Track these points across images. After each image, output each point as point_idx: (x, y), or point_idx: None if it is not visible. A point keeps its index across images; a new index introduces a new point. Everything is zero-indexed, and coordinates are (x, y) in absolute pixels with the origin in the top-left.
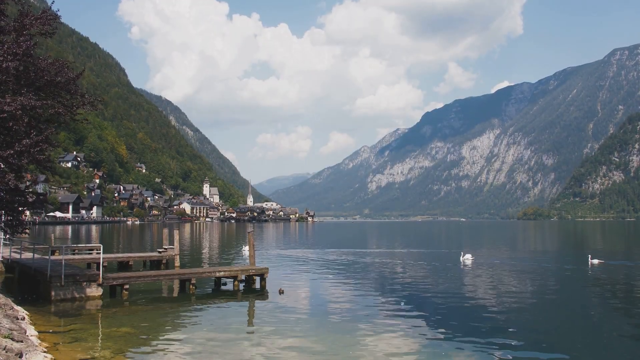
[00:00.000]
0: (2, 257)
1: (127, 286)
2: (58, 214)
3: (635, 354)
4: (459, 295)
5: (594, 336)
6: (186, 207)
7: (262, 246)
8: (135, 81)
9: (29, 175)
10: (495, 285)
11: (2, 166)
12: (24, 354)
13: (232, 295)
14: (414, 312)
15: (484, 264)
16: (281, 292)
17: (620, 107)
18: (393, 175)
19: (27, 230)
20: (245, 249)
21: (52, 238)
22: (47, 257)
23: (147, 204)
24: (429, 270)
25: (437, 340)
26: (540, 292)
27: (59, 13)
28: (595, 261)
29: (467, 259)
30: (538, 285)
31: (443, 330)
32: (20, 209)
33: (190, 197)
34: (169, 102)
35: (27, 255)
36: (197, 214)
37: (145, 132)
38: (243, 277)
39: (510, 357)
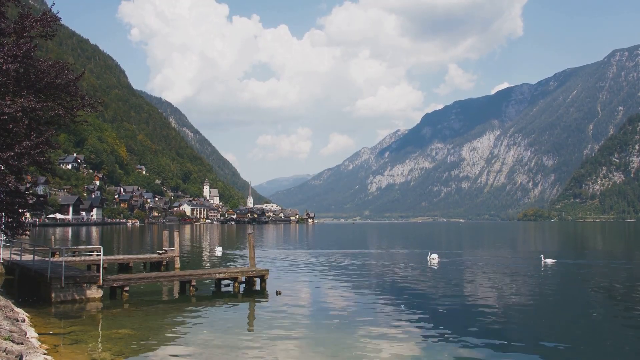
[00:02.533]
0: (3, 259)
1: (127, 288)
2: (58, 215)
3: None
4: (460, 296)
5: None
6: (186, 208)
7: (263, 247)
8: (135, 83)
9: (29, 177)
10: (455, 283)
11: (2, 168)
12: (24, 356)
13: (232, 297)
14: (412, 312)
15: (448, 264)
16: (278, 293)
17: (620, 108)
18: (393, 176)
19: (27, 232)
20: (218, 249)
21: (52, 240)
22: (48, 258)
23: (147, 206)
24: (420, 270)
25: (436, 341)
26: (485, 289)
27: (59, 15)
28: (549, 260)
29: (434, 259)
30: (487, 283)
31: (441, 331)
32: (20, 210)
33: (191, 198)
34: (169, 104)
35: (28, 257)
36: (198, 216)
37: (146, 133)
38: (243, 279)
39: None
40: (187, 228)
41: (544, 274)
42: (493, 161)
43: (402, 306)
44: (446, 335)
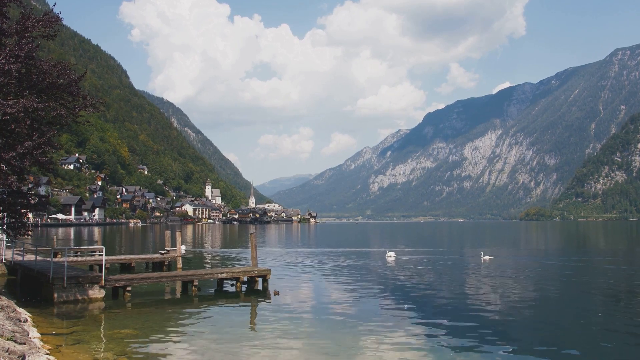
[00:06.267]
0: (5, 259)
1: (129, 288)
2: (60, 215)
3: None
4: (461, 294)
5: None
6: (188, 208)
7: (265, 247)
8: (137, 83)
9: (31, 178)
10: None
11: (4, 168)
12: (26, 356)
13: (234, 297)
14: (413, 312)
15: (404, 261)
16: (276, 293)
17: (622, 107)
18: (395, 176)
19: (29, 232)
20: (182, 247)
21: (55, 240)
22: (50, 259)
23: (149, 206)
24: (379, 267)
25: (437, 340)
26: (423, 282)
27: (60, 15)
28: (487, 257)
29: (390, 256)
30: (427, 277)
31: (442, 331)
32: (22, 211)
33: (193, 198)
34: (170, 104)
35: (30, 257)
36: (200, 216)
37: (147, 133)
38: (245, 279)
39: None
40: (189, 228)
41: (475, 269)
42: (495, 160)
43: (406, 307)
44: (446, 335)
